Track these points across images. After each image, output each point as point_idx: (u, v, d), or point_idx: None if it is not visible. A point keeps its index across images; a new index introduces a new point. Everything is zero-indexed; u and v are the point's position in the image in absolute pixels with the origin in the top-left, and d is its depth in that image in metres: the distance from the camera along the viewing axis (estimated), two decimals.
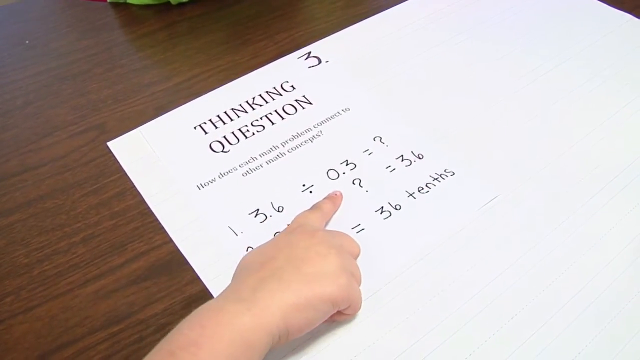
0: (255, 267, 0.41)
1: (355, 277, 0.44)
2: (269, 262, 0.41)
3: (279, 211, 0.51)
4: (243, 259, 0.43)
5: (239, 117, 0.60)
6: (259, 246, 0.44)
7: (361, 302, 0.44)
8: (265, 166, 0.55)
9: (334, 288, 0.40)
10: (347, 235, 0.48)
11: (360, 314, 0.45)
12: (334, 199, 0.52)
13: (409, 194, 0.53)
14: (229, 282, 0.45)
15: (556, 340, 0.43)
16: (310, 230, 0.45)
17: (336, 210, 0.51)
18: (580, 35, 0.68)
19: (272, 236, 0.49)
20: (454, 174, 0.54)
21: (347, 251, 0.45)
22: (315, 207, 0.50)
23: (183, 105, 0.61)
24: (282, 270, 0.40)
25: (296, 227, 0.46)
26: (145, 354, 0.43)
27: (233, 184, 0.54)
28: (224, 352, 0.35)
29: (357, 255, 0.48)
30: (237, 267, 0.43)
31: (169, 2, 0.74)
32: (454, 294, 0.46)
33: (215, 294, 0.47)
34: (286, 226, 0.49)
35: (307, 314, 0.39)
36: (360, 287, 0.45)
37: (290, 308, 0.38)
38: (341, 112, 0.60)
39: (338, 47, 0.67)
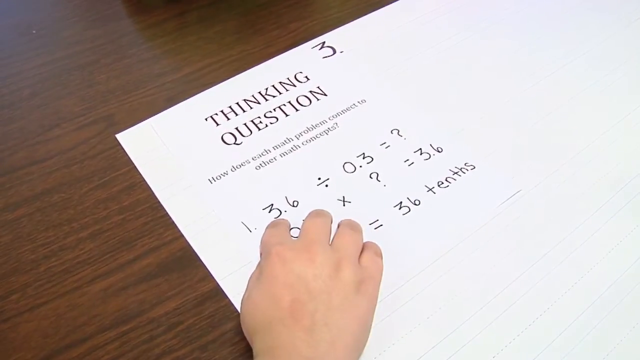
0: (283, 316, 0.38)
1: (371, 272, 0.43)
2: (296, 308, 0.38)
3: (294, 206, 0.50)
4: (251, 309, 0.41)
5: (251, 108, 0.58)
6: (254, 287, 0.42)
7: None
8: (279, 159, 0.53)
9: (368, 302, 0.41)
10: (343, 234, 0.45)
11: (380, 313, 0.43)
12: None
13: (428, 189, 0.51)
14: (242, 280, 0.43)
15: (581, 343, 0.42)
16: (304, 252, 0.41)
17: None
18: (603, 27, 0.66)
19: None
20: (474, 167, 0.52)
21: (349, 255, 0.43)
22: (273, 224, 0.48)
23: (194, 96, 0.59)
24: (321, 314, 0.38)
25: (280, 254, 0.41)
26: (156, 354, 0.42)
27: (246, 177, 0.52)
28: None
29: (361, 241, 0.45)
30: (247, 317, 0.41)
31: None
32: (476, 293, 0.45)
33: (228, 292, 0.45)
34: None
35: (365, 336, 0.40)
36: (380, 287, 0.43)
37: (353, 346, 0.38)
38: (357, 104, 0.58)
39: (353, 37, 0.65)
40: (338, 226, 0.47)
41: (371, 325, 0.41)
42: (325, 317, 0.37)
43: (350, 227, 0.45)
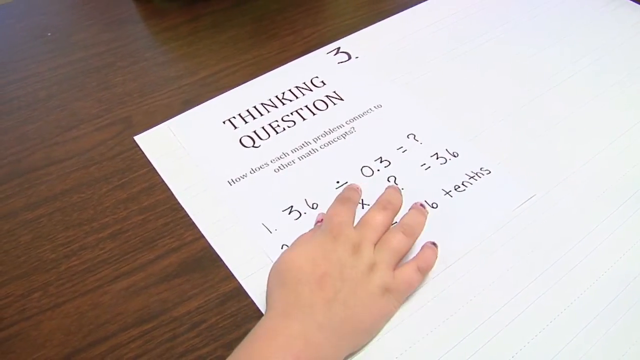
0: (311, 281, 0.40)
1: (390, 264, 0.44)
2: (325, 280, 0.40)
3: (313, 208, 0.50)
4: (288, 259, 0.43)
5: (269, 112, 0.58)
6: (302, 244, 0.44)
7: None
8: (298, 162, 0.54)
9: (386, 308, 0.43)
10: (367, 223, 0.46)
11: (400, 315, 0.44)
12: (356, 188, 0.50)
13: (445, 192, 0.52)
14: (264, 280, 0.44)
15: (595, 346, 0.42)
16: (352, 243, 0.43)
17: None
18: (616, 35, 0.67)
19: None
20: (490, 172, 0.53)
21: (386, 261, 0.44)
22: (344, 200, 0.48)
23: (211, 100, 0.60)
24: (344, 295, 0.40)
25: (337, 235, 0.43)
26: (179, 352, 0.42)
27: (265, 180, 0.52)
28: None
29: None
30: (282, 265, 0.42)
31: None
32: (492, 296, 0.45)
33: (250, 292, 0.45)
34: (320, 221, 0.47)
35: (366, 336, 0.42)
36: None
37: (356, 333, 0.41)
38: (373, 108, 0.59)
39: (367, 43, 0.66)
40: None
41: (376, 332, 0.43)
42: (346, 298, 0.40)
43: (406, 232, 0.45)
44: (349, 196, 0.48)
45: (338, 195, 0.48)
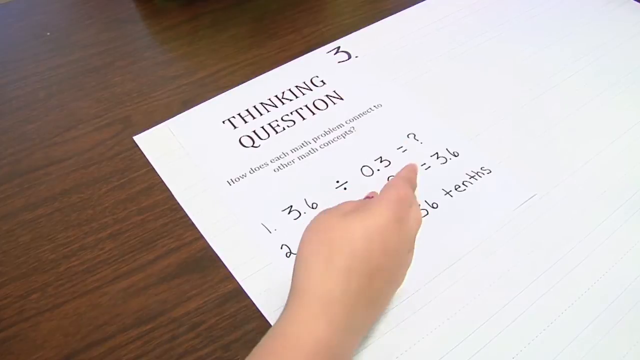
0: (360, 269, 0.34)
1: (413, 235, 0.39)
2: (377, 274, 0.35)
3: (313, 208, 0.50)
4: (324, 223, 0.37)
5: (268, 111, 0.58)
6: (349, 212, 0.37)
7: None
8: (297, 162, 0.54)
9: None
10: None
11: (401, 314, 0.43)
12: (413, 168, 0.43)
13: (445, 192, 0.51)
14: (264, 281, 0.44)
15: (597, 346, 0.42)
16: (406, 234, 0.38)
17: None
18: (615, 31, 0.67)
19: None
20: (490, 172, 0.53)
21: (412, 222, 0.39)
22: (403, 179, 0.40)
23: (211, 99, 0.60)
24: (380, 293, 0.37)
25: (395, 223, 0.36)
26: (178, 353, 0.42)
27: (265, 179, 0.52)
28: None
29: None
30: (318, 230, 0.37)
31: None
32: (493, 295, 0.45)
33: (250, 293, 0.45)
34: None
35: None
36: (398, 290, 0.43)
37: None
38: (373, 108, 0.59)
39: (367, 42, 0.66)
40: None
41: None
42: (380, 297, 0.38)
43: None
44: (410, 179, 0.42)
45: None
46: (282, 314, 0.35)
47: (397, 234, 0.36)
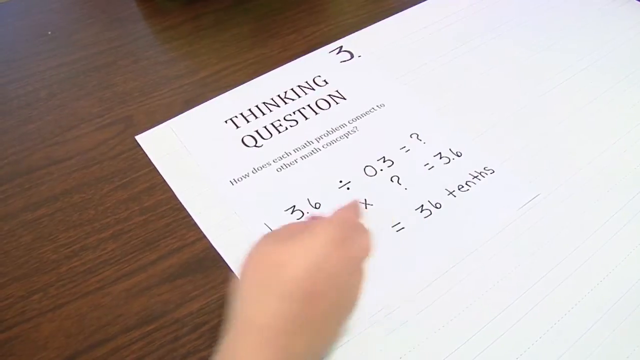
0: (298, 294, 0.33)
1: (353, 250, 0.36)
2: (316, 299, 0.33)
3: (316, 207, 0.50)
4: (262, 248, 0.35)
5: (271, 111, 0.58)
6: (291, 238, 0.35)
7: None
8: (300, 162, 0.53)
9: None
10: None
11: (402, 315, 0.43)
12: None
13: (449, 192, 0.51)
14: None
15: (600, 346, 0.42)
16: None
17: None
18: (618, 30, 0.67)
19: None
20: (493, 172, 0.53)
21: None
22: (349, 206, 0.39)
23: (213, 99, 0.59)
24: (325, 319, 0.35)
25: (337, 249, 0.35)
26: (181, 354, 0.42)
27: (267, 179, 0.52)
28: None
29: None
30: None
31: None
32: (497, 296, 0.45)
33: None
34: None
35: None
36: (401, 290, 0.44)
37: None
38: (376, 107, 0.58)
39: (369, 42, 0.66)
40: None
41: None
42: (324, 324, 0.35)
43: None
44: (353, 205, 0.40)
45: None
46: (221, 343, 0.34)
47: (335, 255, 0.34)
